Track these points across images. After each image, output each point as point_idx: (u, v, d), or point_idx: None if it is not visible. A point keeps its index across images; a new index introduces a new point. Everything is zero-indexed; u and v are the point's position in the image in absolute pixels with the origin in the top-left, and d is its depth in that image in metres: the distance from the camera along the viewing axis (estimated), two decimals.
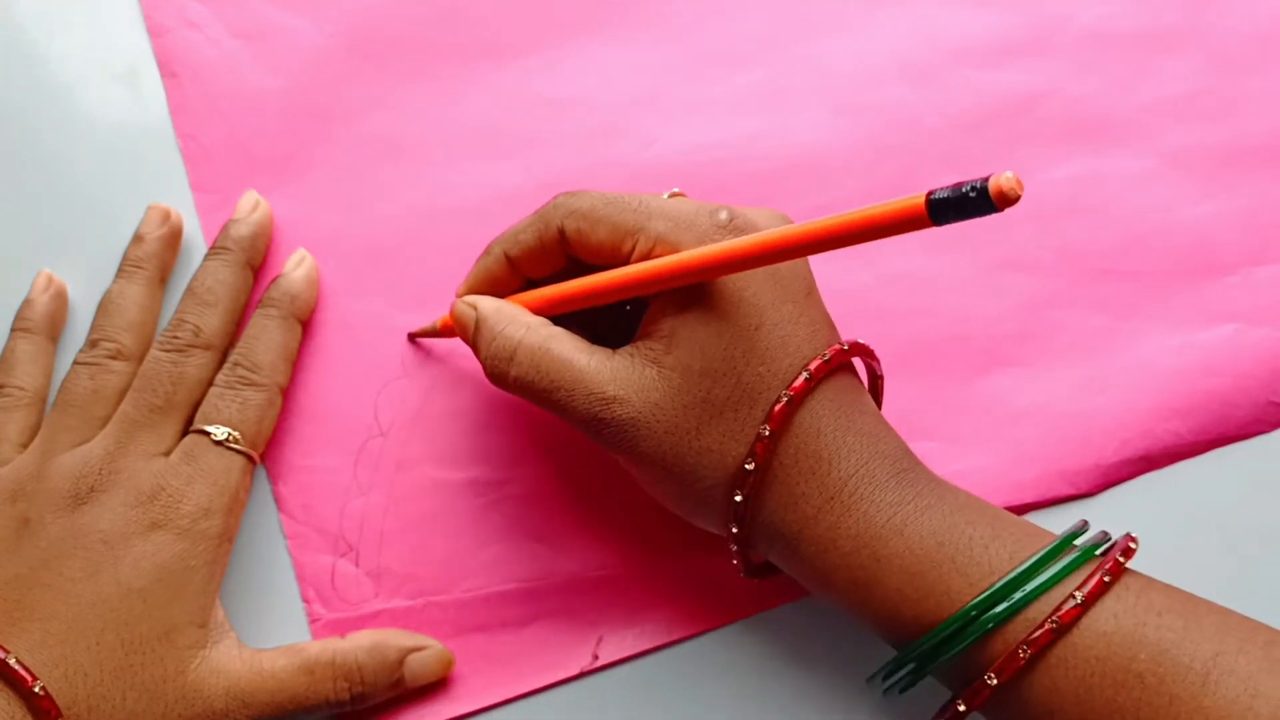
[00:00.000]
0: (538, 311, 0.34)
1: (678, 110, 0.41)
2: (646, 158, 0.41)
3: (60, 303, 0.39)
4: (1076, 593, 0.29)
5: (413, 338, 0.40)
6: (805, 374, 0.31)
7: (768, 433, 0.31)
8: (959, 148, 0.41)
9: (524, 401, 0.38)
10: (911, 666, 0.31)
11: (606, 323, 0.35)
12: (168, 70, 0.42)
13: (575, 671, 0.36)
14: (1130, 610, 0.29)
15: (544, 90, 0.41)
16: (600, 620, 0.37)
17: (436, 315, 0.39)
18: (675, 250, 0.31)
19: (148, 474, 0.35)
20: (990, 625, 0.29)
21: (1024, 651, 0.28)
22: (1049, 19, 0.42)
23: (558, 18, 0.42)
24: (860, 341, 0.33)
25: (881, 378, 0.35)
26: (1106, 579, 0.29)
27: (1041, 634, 0.28)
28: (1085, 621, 0.29)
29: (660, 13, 0.42)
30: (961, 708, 0.30)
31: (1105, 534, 0.31)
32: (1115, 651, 0.28)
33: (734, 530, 0.32)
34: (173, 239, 0.40)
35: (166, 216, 0.39)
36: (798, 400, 0.31)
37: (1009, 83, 0.41)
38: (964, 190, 0.24)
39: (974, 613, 0.29)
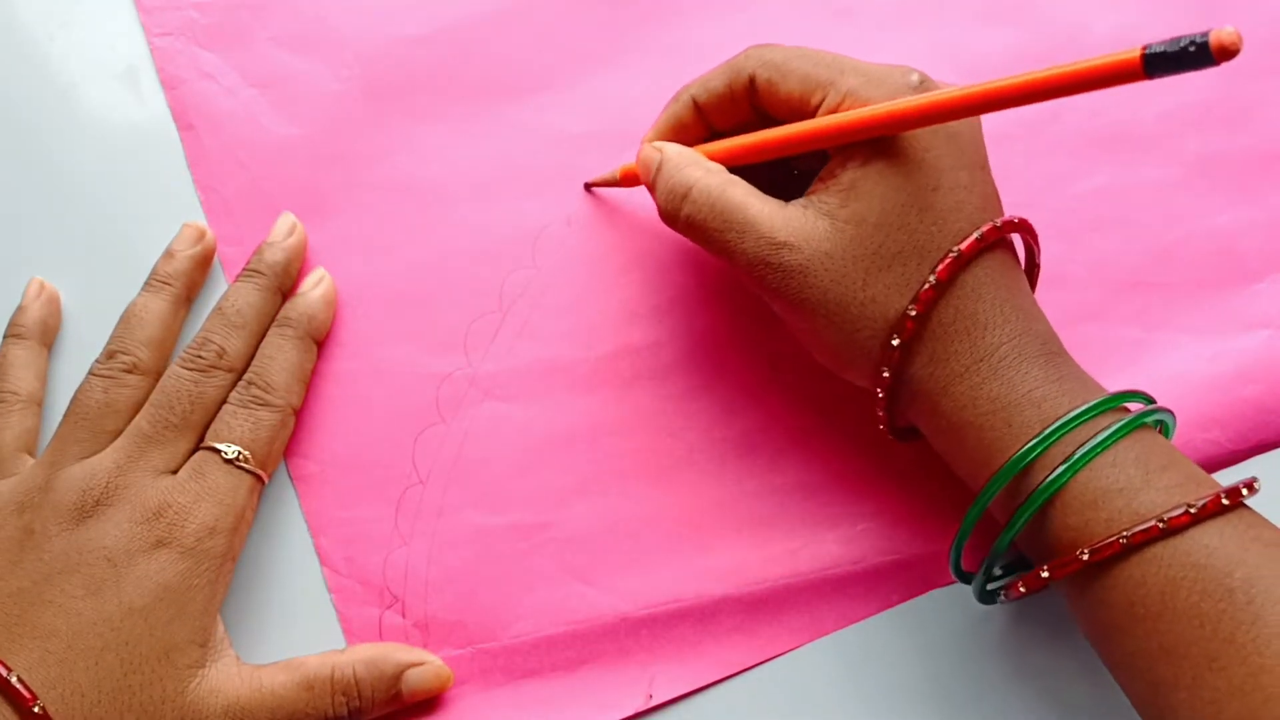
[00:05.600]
0: (719, 161, 0.35)
1: None
2: None
3: (53, 308, 0.39)
4: (1191, 506, 0.29)
5: (589, 187, 0.41)
6: (977, 234, 0.32)
7: (933, 281, 0.32)
8: None
9: (561, 443, 0.38)
10: (1012, 531, 0.31)
11: (773, 185, 0.35)
12: (184, 123, 0.41)
13: (631, 712, 0.36)
14: (1238, 533, 0.29)
15: (565, 126, 0.41)
16: (652, 659, 0.37)
17: (469, 356, 0.39)
18: (864, 106, 0.32)
19: (154, 490, 0.34)
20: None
21: (1124, 539, 0.29)
22: (1064, 32, 0.42)
23: (574, 52, 0.42)
24: (1028, 220, 0.34)
25: (1038, 266, 0.36)
26: (1225, 501, 0.29)
27: (1146, 529, 0.29)
28: (1193, 531, 0.29)
29: (677, 43, 0.42)
30: (1045, 574, 0.31)
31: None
32: (1213, 563, 0.28)
33: (884, 375, 0.32)
34: (204, 259, 0.39)
35: (201, 236, 0.39)
36: (966, 257, 0.32)
37: None
38: (1182, 44, 0.24)
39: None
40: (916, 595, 0.37)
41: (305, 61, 0.42)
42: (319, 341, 0.39)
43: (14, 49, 0.42)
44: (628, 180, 0.39)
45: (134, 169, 0.41)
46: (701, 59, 0.42)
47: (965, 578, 0.34)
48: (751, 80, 0.34)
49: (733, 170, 0.35)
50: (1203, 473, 0.31)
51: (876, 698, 0.36)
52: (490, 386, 0.39)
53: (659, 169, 0.35)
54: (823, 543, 0.37)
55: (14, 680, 0.31)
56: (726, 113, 0.36)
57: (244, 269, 0.38)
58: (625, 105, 0.41)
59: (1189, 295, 0.40)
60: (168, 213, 0.40)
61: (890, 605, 0.37)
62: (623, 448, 0.38)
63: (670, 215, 0.35)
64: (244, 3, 0.42)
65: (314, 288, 0.39)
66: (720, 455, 0.38)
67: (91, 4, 0.43)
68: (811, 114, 0.33)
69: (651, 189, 0.36)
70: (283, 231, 0.39)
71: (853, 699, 0.36)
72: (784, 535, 0.38)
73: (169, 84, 0.42)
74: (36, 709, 0.31)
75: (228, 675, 0.34)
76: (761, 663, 0.37)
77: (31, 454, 0.37)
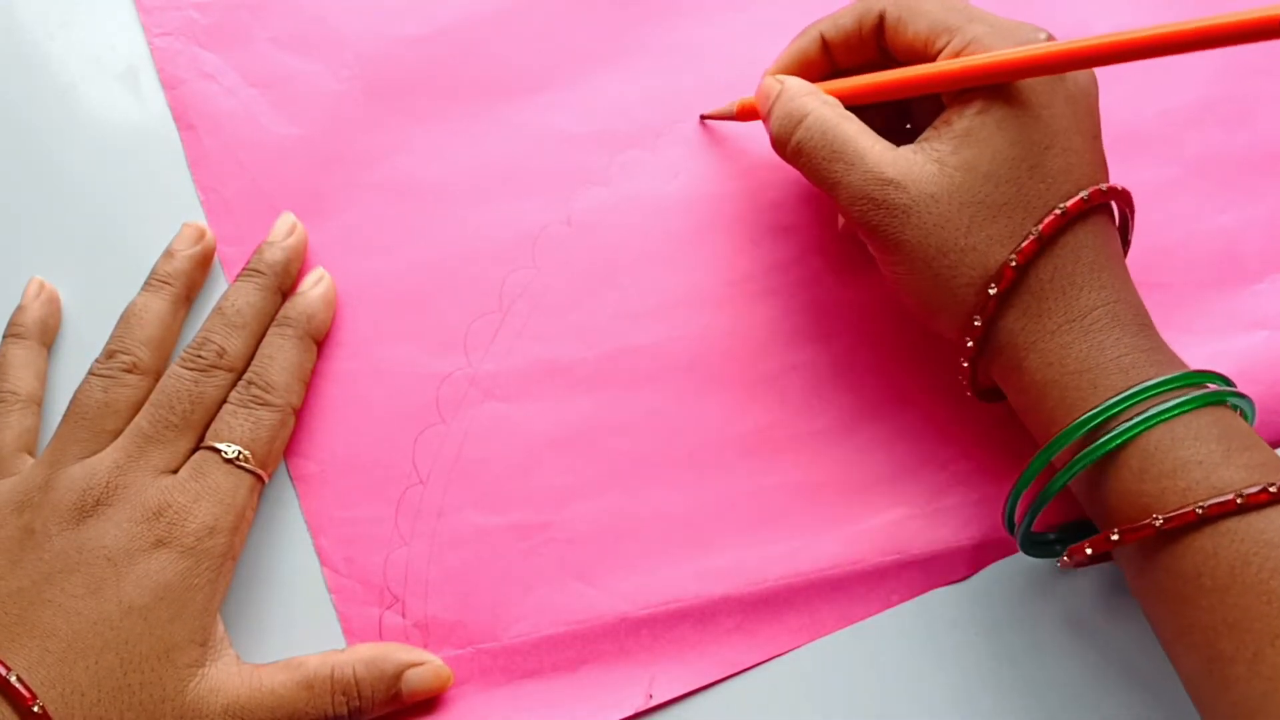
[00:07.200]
0: (839, 98, 0.35)
1: (701, 139, 0.41)
2: (671, 189, 0.41)
3: (52, 308, 0.39)
4: (1271, 485, 0.29)
5: (704, 118, 0.41)
6: (1083, 194, 0.32)
7: (1036, 234, 0.32)
8: None
9: (561, 443, 0.38)
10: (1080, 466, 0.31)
11: (886, 136, 0.36)
12: (184, 123, 0.41)
13: (631, 712, 0.36)
14: None
15: (565, 126, 0.41)
16: (652, 659, 0.37)
17: (469, 356, 0.39)
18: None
19: (154, 489, 0.34)
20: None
21: (1200, 509, 0.29)
22: (1064, 32, 0.42)
23: (574, 52, 0.42)
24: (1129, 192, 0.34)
25: (1130, 241, 0.36)
26: None
27: (1223, 503, 0.29)
28: (1269, 510, 0.29)
29: (677, 43, 0.42)
30: (1115, 537, 0.31)
31: None
32: None
33: (976, 323, 0.33)
34: (204, 259, 0.39)
35: (201, 235, 0.39)
36: (1070, 215, 0.32)
37: None
38: None
39: None
40: (917, 595, 0.37)
41: (305, 61, 0.42)
42: (319, 341, 0.39)
43: (14, 49, 0.42)
44: (744, 114, 0.39)
45: (134, 169, 0.41)
46: (701, 59, 0.42)
47: (1015, 529, 0.34)
48: (881, 18, 0.35)
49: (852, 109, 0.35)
50: None
51: (877, 698, 0.36)
52: (490, 386, 0.39)
53: (777, 97, 0.35)
54: (823, 543, 0.37)
55: (13, 679, 0.31)
56: (853, 51, 0.36)
57: (244, 269, 0.39)
58: (625, 105, 0.41)
59: (1189, 295, 0.40)
60: (168, 213, 0.40)
61: (890, 605, 0.37)
62: (623, 448, 0.38)
63: (781, 141, 0.35)
64: (244, 3, 0.42)
65: (313, 287, 0.39)
66: (720, 455, 0.38)
67: (91, 4, 0.43)
68: (934, 58, 0.34)
69: (766, 119, 0.36)
70: (283, 231, 0.39)
71: (853, 699, 0.36)
72: (784, 535, 0.38)
73: (169, 84, 0.42)
74: (36, 708, 0.31)
75: (227, 674, 0.34)
76: (761, 663, 0.37)
77: (31, 454, 0.37)
